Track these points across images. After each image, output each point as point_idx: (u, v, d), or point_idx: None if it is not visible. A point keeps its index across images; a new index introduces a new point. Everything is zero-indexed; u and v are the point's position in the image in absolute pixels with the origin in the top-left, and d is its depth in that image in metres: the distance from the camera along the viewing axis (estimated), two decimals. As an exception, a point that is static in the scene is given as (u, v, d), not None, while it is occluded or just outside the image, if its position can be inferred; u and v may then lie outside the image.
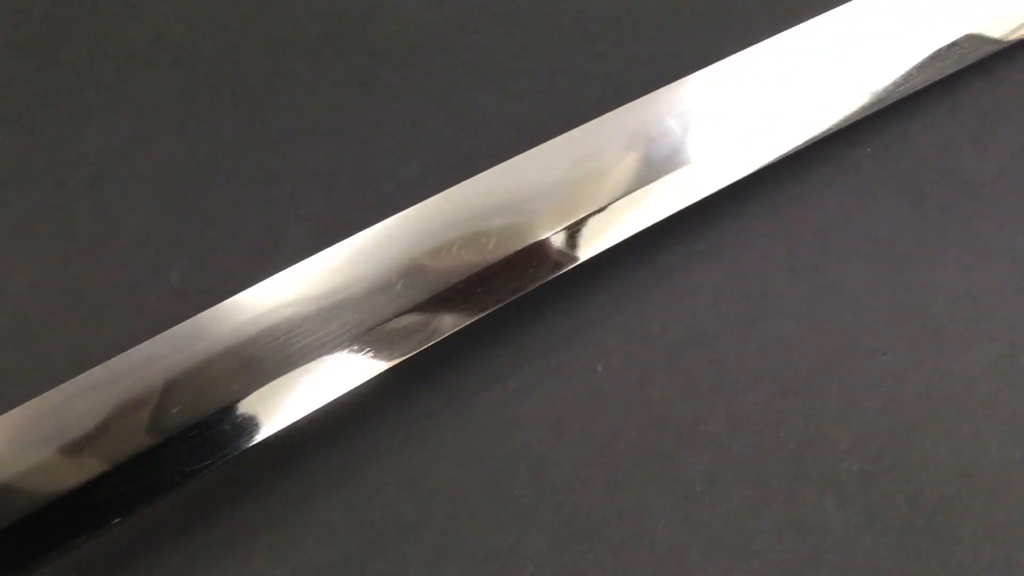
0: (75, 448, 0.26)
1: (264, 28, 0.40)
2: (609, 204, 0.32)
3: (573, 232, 0.32)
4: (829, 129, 0.36)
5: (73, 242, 0.35)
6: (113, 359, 0.27)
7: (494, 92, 0.40)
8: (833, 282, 0.35)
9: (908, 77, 0.37)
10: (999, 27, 0.39)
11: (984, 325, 0.34)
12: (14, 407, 0.26)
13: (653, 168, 0.33)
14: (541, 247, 0.31)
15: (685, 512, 0.31)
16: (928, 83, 0.38)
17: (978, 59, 0.39)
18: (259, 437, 0.28)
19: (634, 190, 0.32)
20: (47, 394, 0.27)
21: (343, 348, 0.29)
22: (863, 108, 0.36)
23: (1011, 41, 0.39)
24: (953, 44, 0.38)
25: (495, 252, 0.30)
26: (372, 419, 0.32)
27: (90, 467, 0.26)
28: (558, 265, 0.32)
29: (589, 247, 0.32)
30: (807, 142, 0.35)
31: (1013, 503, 0.31)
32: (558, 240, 0.31)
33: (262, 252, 0.35)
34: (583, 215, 0.32)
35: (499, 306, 0.31)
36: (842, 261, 0.35)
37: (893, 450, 0.32)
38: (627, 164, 0.33)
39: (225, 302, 0.29)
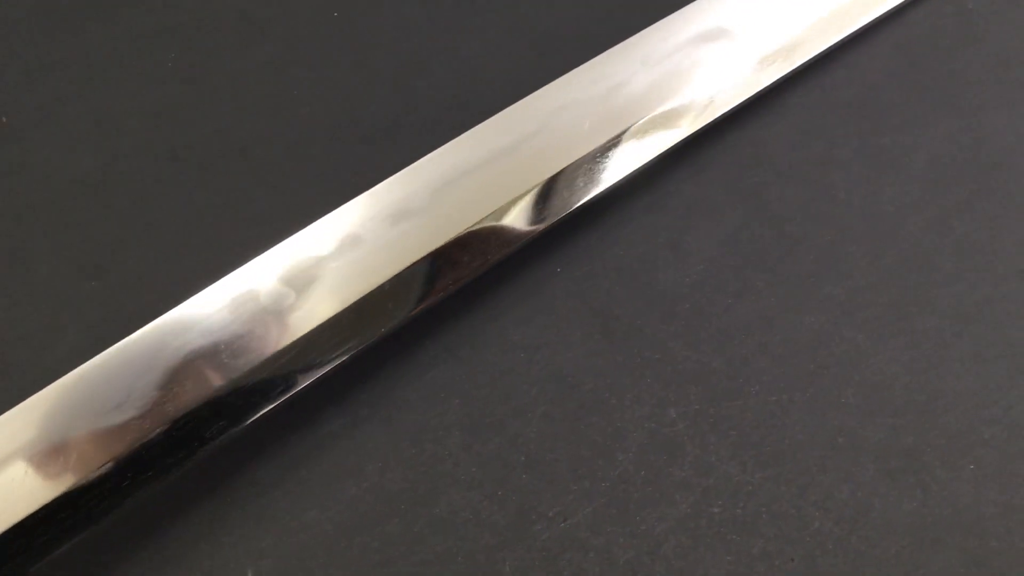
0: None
1: None
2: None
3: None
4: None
5: None
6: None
7: (154, 248, 0.35)
8: (512, 439, 0.31)
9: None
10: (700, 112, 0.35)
11: (675, 471, 0.30)
12: None
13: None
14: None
15: None
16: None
17: (678, 140, 0.35)
18: None
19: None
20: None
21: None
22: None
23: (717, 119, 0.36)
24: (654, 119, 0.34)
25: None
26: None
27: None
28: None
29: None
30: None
31: None
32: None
33: None
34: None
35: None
36: (522, 412, 0.31)
37: (569, 641, 0.28)
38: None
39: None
